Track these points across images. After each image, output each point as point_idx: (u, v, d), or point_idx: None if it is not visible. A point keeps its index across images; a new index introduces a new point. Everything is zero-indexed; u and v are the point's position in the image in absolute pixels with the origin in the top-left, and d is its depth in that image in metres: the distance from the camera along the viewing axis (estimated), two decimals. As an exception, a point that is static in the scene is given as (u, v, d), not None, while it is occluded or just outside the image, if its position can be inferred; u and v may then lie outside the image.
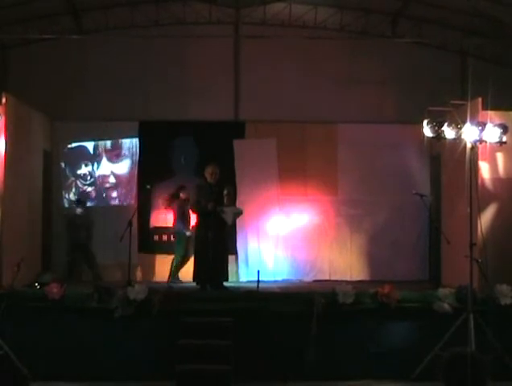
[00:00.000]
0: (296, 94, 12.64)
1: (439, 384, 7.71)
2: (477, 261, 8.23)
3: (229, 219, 9.99)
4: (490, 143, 9.00)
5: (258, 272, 10.92)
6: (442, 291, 8.64)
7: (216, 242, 9.78)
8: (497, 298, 8.44)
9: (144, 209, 12.13)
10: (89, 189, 12.57)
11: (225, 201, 10.01)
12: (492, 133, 8.77)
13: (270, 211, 12.42)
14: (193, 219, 10.93)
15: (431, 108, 9.53)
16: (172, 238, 12.11)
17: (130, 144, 12.62)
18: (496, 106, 9.72)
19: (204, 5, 12.48)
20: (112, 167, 12.64)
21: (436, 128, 8.89)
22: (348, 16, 12.68)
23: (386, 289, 8.49)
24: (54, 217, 12.35)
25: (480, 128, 8.59)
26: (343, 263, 12.43)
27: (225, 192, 10.05)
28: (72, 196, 12.51)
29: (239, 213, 10.46)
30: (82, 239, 11.64)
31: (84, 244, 11.67)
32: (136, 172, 12.54)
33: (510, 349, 7.93)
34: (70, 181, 12.60)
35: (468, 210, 8.18)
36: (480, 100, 9.80)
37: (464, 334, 7.69)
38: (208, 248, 9.73)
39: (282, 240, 12.35)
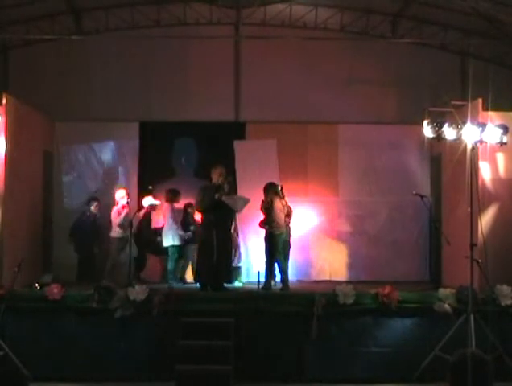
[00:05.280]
0: (297, 95, 12.63)
1: (441, 385, 7.72)
2: (478, 262, 8.22)
3: (236, 205, 9.95)
4: (491, 144, 8.99)
5: (259, 272, 10.93)
6: (442, 292, 8.65)
7: (220, 243, 9.76)
8: (497, 299, 8.46)
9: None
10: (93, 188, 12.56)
11: (225, 189, 9.94)
12: (492, 134, 8.77)
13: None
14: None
15: (431, 109, 9.55)
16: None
17: (131, 144, 12.61)
18: (496, 107, 9.71)
19: (204, 6, 12.48)
20: (113, 167, 12.62)
21: (437, 128, 8.89)
22: (349, 17, 12.68)
23: (387, 289, 8.50)
24: (54, 218, 12.34)
25: (480, 128, 8.59)
26: (343, 263, 12.42)
27: (221, 180, 9.99)
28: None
29: (246, 202, 10.42)
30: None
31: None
32: (137, 172, 12.53)
33: (510, 349, 7.93)
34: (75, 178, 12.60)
35: (469, 210, 8.18)
36: (480, 100, 9.79)
37: (465, 335, 7.70)
38: (213, 248, 9.72)
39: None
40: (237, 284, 11.05)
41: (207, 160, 11.67)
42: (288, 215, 10.81)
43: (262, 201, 10.56)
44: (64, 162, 12.54)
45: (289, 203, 11.11)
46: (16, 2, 11.36)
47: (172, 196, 11.30)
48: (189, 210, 11.49)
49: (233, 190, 10.37)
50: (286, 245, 10.87)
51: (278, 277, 10.77)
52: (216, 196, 9.74)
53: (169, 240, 11.10)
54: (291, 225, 11.05)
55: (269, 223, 10.29)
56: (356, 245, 12.45)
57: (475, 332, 7.68)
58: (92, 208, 11.79)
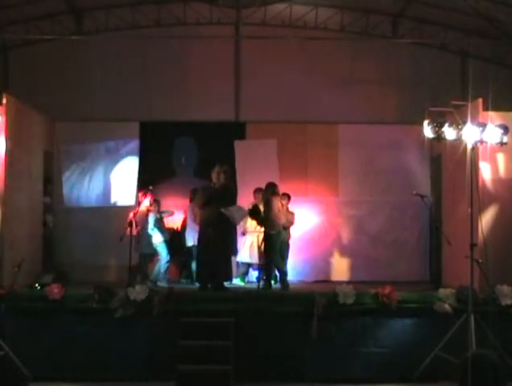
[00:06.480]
0: (297, 95, 12.64)
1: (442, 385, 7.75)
2: (478, 262, 8.21)
3: (233, 216, 9.93)
4: (491, 144, 8.97)
5: (259, 272, 10.95)
6: (442, 292, 8.64)
7: (216, 241, 9.73)
8: (497, 299, 8.45)
9: (145, 210, 12.09)
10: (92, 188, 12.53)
11: (221, 179, 9.93)
12: (492, 134, 8.74)
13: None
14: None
15: (431, 109, 9.51)
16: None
17: (131, 144, 12.61)
18: (496, 107, 9.71)
19: (204, 5, 12.49)
20: (112, 168, 12.62)
21: (437, 128, 8.86)
22: (349, 16, 12.69)
23: (387, 289, 8.50)
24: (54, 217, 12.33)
25: (480, 128, 8.57)
26: (344, 263, 12.42)
27: (216, 170, 9.98)
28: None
29: (244, 213, 10.41)
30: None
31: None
32: (137, 173, 12.52)
33: (511, 349, 7.92)
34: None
35: (469, 210, 8.17)
36: (480, 100, 9.79)
37: (465, 335, 7.69)
38: (209, 247, 9.71)
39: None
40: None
41: (207, 160, 11.65)
42: (289, 221, 10.85)
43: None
44: (64, 162, 12.53)
45: (291, 209, 11.15)
46: (16, 2, 11.36)
47: (194, 196, 11.16)
48: None
49: (230, 179, 10.24)
50: (285, 246, 10.87)
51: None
52: (212, 184, 9.76)
53: (190, 239, 11.10)
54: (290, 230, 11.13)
55: (264, 222, 10.28)
56: (356, 245, 12.44)
57: (475, 332, 7.67)
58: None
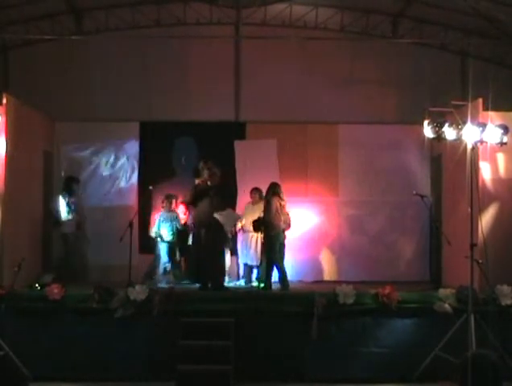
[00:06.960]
0: (297, 95, 12.63)
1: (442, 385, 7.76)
2: (478, 262, 8.22)
3: (224, 222, 9.91)
4: (491, 144, 8.99)
5: (258, 272, 10.95)
6: (442, 292, 8.66)
7: (207, 241, 9.73)
8: (497, 299, 8.47)
9: (145, 210, 12.10)
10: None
11: (205, 175, 9.88)
12: (492, 134, 8.76)
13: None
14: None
15: (431, 109, 9.53)
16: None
17: (131, 144, 12.61)
18: (496, 107, 9.72)
19: (204, 5, 12.48)
20: (113, 167, 12.62)
21: (437, 128, 8.88)
22: (349, 16, 12.69)
23: (387, 289, 8.51)
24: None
25: (480, 128, 8.58)
26: (344, 263, 12.41)
27: (201, 165, 9.96)
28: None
29: (236, 218, 10.39)
30: None
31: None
32: (137, 173, 12.53)
33: (511, 349, 7.93)
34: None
35: (469, 210, 8.18)
36: (480, 100, 9.79)
37: (465, 335, 7.70)
38: (200, 247, 9.72)
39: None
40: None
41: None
42: (286, 223, 10.81)
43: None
44: (64, 162, 12.52)
45: (288, 210, 11.09)
46: (16, 2, 11.36)
47: None
48: None
49: (214, 175, 10.20)
50: (282, 247, 10.86)
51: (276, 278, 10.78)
52: (196, 181, 9.77)
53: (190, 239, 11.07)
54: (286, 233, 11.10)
55: (264, 223, 10.27)
56: (356, 245, 12.42)
57: (475, 332, 7.68)
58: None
